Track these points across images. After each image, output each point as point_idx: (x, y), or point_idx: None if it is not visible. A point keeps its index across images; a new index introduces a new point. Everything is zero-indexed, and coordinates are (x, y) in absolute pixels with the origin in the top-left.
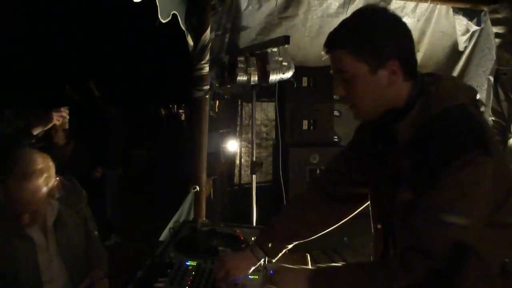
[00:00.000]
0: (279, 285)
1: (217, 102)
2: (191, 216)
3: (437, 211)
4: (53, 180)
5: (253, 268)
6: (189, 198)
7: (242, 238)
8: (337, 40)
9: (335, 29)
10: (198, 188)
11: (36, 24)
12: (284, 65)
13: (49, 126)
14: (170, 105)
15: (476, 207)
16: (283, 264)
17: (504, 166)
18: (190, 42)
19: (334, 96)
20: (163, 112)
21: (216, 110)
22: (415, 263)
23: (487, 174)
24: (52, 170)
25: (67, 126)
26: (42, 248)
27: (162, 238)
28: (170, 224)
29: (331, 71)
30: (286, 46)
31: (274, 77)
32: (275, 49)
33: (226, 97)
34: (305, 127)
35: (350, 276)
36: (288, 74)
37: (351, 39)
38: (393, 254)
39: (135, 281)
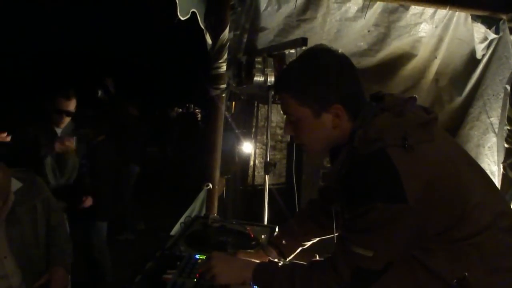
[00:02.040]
0: (223, 273)
1: (234, 103)
2: (203, 213)
3: (348, 241)
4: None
5: None
6: (202, 195)
7: (252, 236)
8: (283, 83)
9: (282, 71)
10: (210, 185)
11: (63, 25)
12: None
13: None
14: (187, 105)
15: (380, 242)
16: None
17: (442, 198)
18: (209, 40)
19: None
20: (180, 111)
21: (233, 111)
22: (329, 279)
23: (393, 218)
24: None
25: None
26: None
27: (173, 232)
28: (182, 219)
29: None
30: (304, 48)
31: None
32: (292, 51)
33: (242, 97)
34: None
35: (288, 273)
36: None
37: (295, 84)
38: (320, 263)
39: (144, 272)
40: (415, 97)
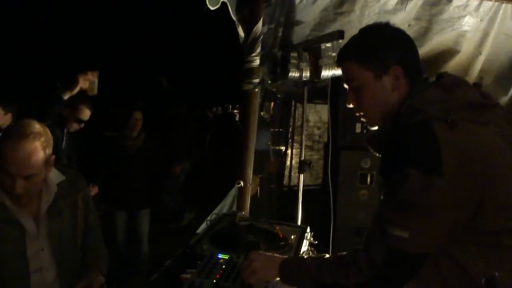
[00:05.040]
0: (256, 268)
1: (272, 103)
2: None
3: (383, 221)
4: (51, 150)
5: None
6: (232, 193)
7: (281, 236)
8: (345, 53)
9: (344, 45)
10: (242, 183)
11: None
12: None
13: (76, 90)
14: (225, 105)
15: (415, 221)
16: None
17: (470, 183)
18: (241, 33)
19: None
20: (218, 111)
21: (271, 112)
22: (363, 264)
23: (428, 190)
24: (50, 140)
25: (95, 92)
26: (32, 235)
27: (199, 230)
28: (209, 217)
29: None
30: (340, 41)
31: (326, 73)
32: (328, 44)
33: (279, 95)
34: (358, 130)
35: (314, 266)
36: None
37: (357, 50)
38: (350, 253)
39: (162, 270)
40: (479, 83)
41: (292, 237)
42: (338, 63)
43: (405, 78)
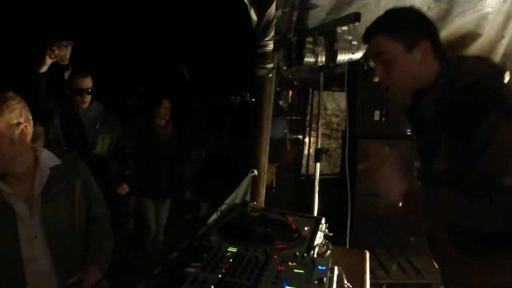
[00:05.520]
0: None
1: (290, 92)
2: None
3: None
4: (29, 122)
5: None
6: (245, 182)
7: (293, 227)
8: (375, 27)
9: (372, 22)
10: (256, 172)
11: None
12: (354, 45)
13: (48, 61)
14: (243, 94)
15: None
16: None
17: None
18: (254, 17)
19: None
20: (237, 100)
21: (290, 100)
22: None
23: None
24: (26, 111)
25: (66, 62)
26: (24, 220)
27: (209, 221)
28: (220, 207)
29: (370, 61)
30: (357, 24)
31: (342, 57)
32: (344, 28)
33: (296, 83)
34: (376, 118)
35: (449, 194)
36: (358, 55)
37: (388, 24)
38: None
39: (165, 263)
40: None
41: (306, 228)
42: (367, 37)
43: (433, 52)
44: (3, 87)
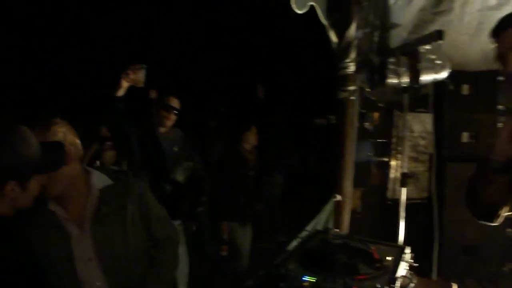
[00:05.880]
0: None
1: (376, 114)
2: (331, 226)
3: None
4: (74, 145)
5: None
6: (328, 208)
7: (376, 257)
8: (507, 20)
9: (504, 15)
10: (339, 197)
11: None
12: (438, 64)
13: (124, 86)
14: (328, 116)
15: None
16: None
17: None
18: (333, 38)
19: (499, 106)
20: (321, 122)
21: (375, 122)
22: None
23: None
24: (71, 134)
25: (141, 85)
26: (77, 242)
27: (289, 248)
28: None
29: (499, 54)
30: (440, 42)
31: (426, 78)
32: (427, 47)
33: (380, 105)
34: (465, 139)
35: None
36: (443, 75)
37: None
38: None
39: None
40: None
41: (389, 258)
42: (500, 31)
43: None
44: (81, 112)
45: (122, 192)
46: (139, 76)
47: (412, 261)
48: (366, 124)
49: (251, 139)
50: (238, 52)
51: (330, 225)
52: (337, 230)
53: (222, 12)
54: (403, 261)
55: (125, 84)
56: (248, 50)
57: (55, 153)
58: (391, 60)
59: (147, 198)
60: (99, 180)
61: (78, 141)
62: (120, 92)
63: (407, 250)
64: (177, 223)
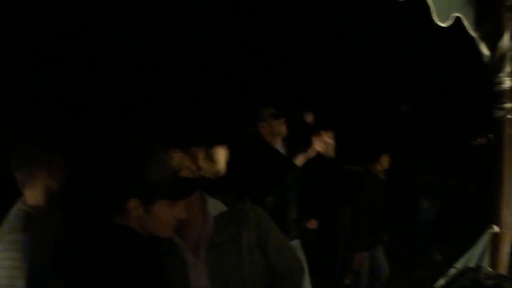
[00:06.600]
0: None
1: None
2: (485, 264)
3: None
4: (193, 169)
5: None
6: (482, 241)
7: None
8: None
9: None
10: (496, 228)
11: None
12: None
13: (312, 154)
14: (489, 135)
15: None
16: None
17: None
18: (485, 51)
19: None
20: (482, 140)
21: None
22: None
23: None
24: (186, 160)
25: (332, 153)
26: (193, 271)
27: (437, 285)
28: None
29: None
30: None
31: None
32: None
33: None
34: None
35: None
36: None
37: None
38: None
39: None
40: None
41: None
42: None
43: None
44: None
45: (237, 220)
46: (331, 145)
47: None
48: None
49: (385, 164)
50: (382, 72)
51: (485, 262)
52: (492, 269)
53: (366, 33)
54: None
55: (311, 154)
56: (392, 69)
57: (186, 183)
58: None
59: (265, 226)
60: (214, 207)
61: (194, 167)
62: (300, 161)
63: None
64: None
